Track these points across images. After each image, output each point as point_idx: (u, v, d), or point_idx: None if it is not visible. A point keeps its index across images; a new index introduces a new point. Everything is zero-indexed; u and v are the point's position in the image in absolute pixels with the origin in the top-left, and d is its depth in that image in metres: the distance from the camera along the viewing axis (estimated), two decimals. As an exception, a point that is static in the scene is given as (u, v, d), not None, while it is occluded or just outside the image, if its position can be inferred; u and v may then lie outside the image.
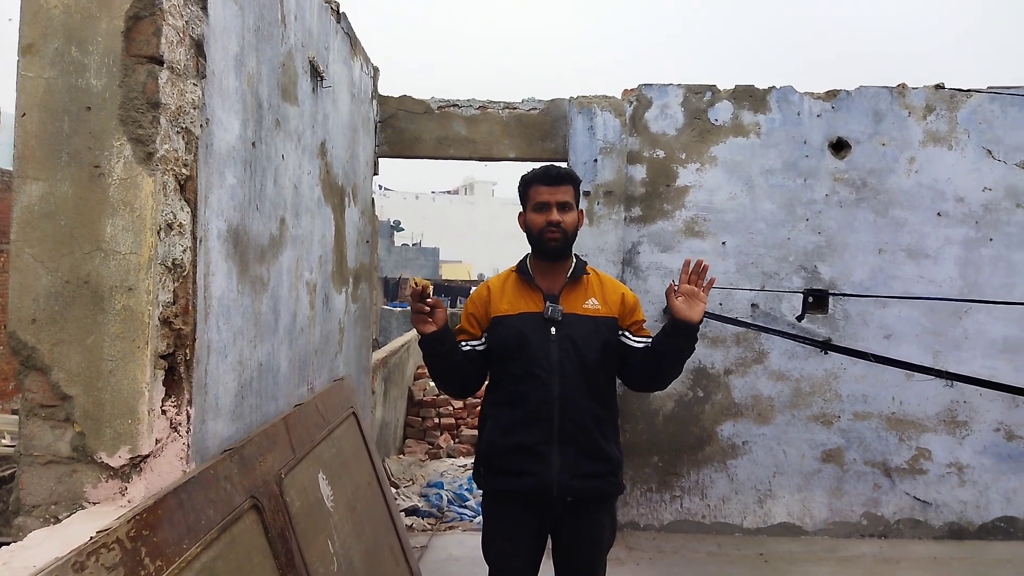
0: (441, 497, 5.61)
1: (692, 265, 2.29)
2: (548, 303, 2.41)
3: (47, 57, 1.77)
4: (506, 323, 2.43)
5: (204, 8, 2.01)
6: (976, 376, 4.23)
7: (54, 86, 1.77)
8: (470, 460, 7.30)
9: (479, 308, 2.52)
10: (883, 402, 4.66)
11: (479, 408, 8.94)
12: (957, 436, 4.67)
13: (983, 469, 4.67)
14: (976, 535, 4.65)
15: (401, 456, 7.60)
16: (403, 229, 43.60)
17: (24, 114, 1.77)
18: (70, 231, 1.75)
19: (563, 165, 4.64)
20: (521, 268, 2.52)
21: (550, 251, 2.43)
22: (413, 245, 42.70)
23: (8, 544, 1.62)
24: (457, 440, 8.38)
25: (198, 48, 1.98)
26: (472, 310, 2.53)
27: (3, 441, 8.44)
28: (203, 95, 2.01)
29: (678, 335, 2.30)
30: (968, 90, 4.72)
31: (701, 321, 2.28)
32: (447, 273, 39.72)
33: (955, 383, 4.31)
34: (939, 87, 4.73)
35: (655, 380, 2.47)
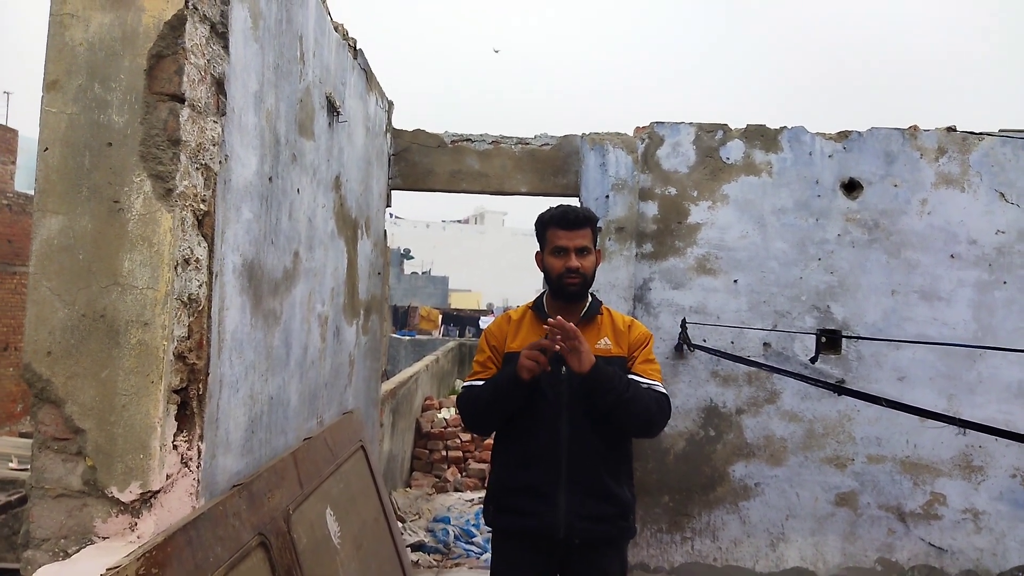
0: (448, 532, 5.55)
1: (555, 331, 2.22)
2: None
3: (70, 93, 1.80)
4: (518, 359, 2.42)
5: (226, 47, 2.04)
6: (991, 421, 4.18)
7: (76, 122, 1.79)
8: (477, 494, 7.23)
9: (499, 341, 2.51)
10: (897, 445, 4.61)
11: (488, 441, 8.85)
12: (973, 481, 4.60)
13: (999, 516, 4.58)
14: (992, 583, 4.56)
15: (408, 489, 7.54)
16: (413, 257, 43.79)
17: (46, 148, 1.80)
18: (88, 265, 1.76)
19: (576, 202, 4.66)
20: (537, 306, 2.52)
21: (569, 296, 2.43)
22: (423, 273, 42.83)
23: (17, 575, 1.61)
24: (464, 474, 8.31)
25: (219, 86, 2.01)
26: (494, 342, 2.51)
27: (10, 464, 8.39)
28: (222, 132, 2.04)
29: (589, 390, 2.28)
30: (980, 133, 4.73)
31: (594, 368, 2.23)
32: (456, 302, 39.77)
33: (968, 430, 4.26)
34: (951, 129, 4.74)
35: (626, 429, 2.43)
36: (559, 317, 2.24)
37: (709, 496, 4.64)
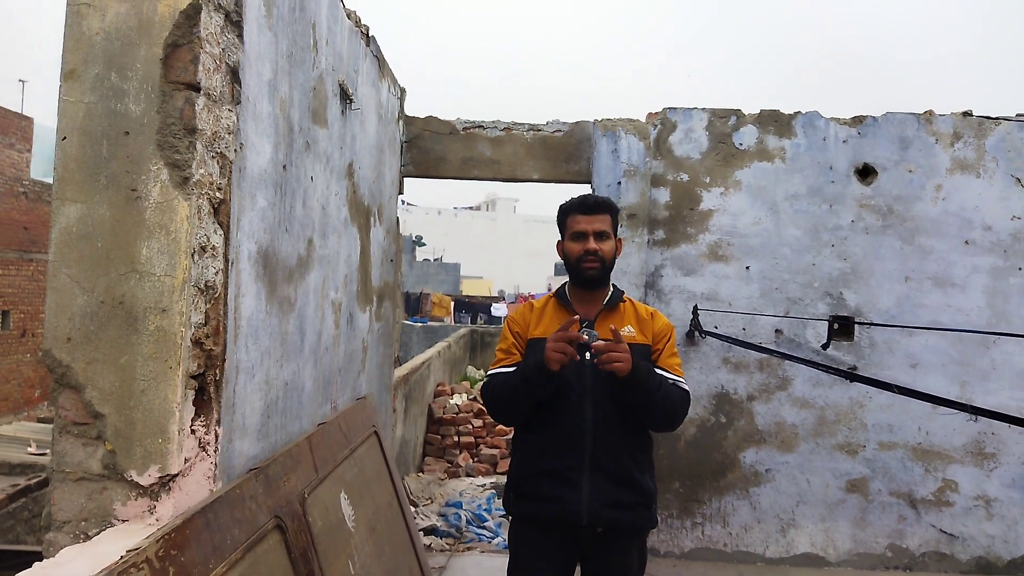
0: (460, 517, 5.60)
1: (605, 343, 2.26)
2: (583, 328, 2.39)
3: (88, 82, 1.82)
4: (541, 346, 2.41)
5: (240, 36, 2.06)
6: (1004, 408, 4.17)
7: (94, 111, 1.81)
8: (489, 480, 7.28)
9: (522, 328, 2.51)
10: (909, 432, 4.60)
11: (499, 427, 8.86)
12: (985, 468, 4.59)
13: (1011, 503, 4.58)
14: (1004, 571, 4.55)
15: (420, 474, 7.60)
16: (425, 244, 43.84)
17: (64, 137, 1.82)
18: (106, 252, 1.79)
19: (588, 188, 4.66)
20: (560, 294, 2.53)
21: (587, 280, 2.43)
22: (435, 260, 42.87)
23: (39, 557, 1.65)
24: (476, 459, 8.36)
25: (234, 75, 2.03)
26: (516, 329, 2.51)
27: (29, 449, 8.51)
28: (238, 120, 2.06)
29: (624, 390, 2.29)
30: (996, 118, 4.68)
31: (631, 372, 2.22)
32: (468, 289, 39.80)
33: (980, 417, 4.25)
34: (967, 114, 4.70)
35: (649, 424, 2.44)
36: (612, 327, 2.26)
37: (720, 482, 4.65)
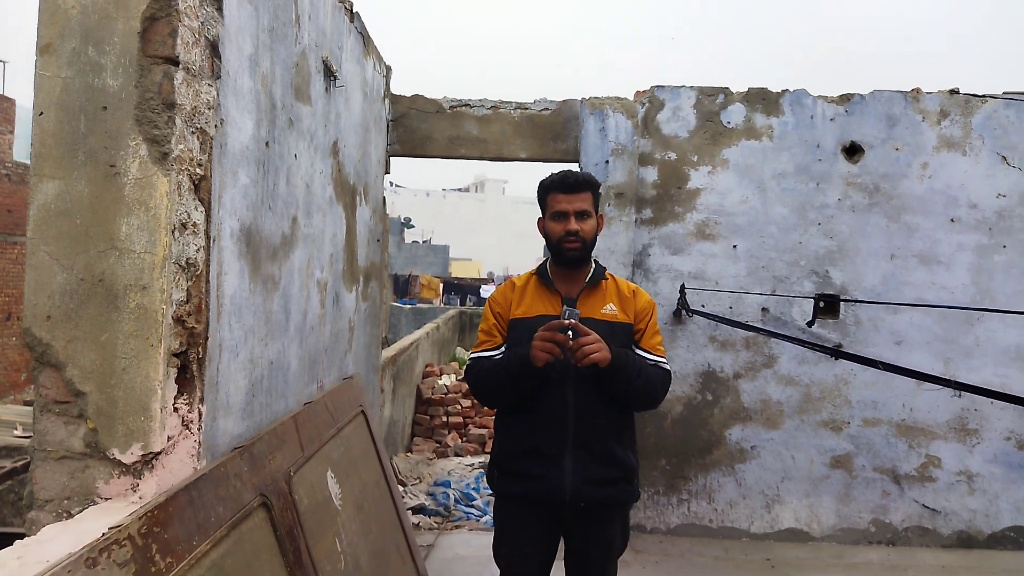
0: (448, 496, 5.62)
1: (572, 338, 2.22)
2: (565, 306, 2.39)
3: (64, 57, 1.78)
4: (523, 325, 2.40)
5: (219, 9, 2.02)
6: (988, 384, 4.21)
7: (71, 86, 1.78)
8: (478, 459, 7.31)
9: (504, 308, 2.50)
10: (893, 409, 4.65)
11: (487, 408, 8.87)
12: (967, 444, 4.64)
13: (993, 478, 4.64)
14: (985, 544, 4.62)
15: (409, 454, 7.62)
16: (414, 226, 43.67)
17: (41, 113, 1.79)
18: (85, 229, 1.76)
19: (575, 167, 4.63)
20: (541, 272, 2.51)
21: (569, 260, 2.42)
22: (423, 242, 42.78)
23: (22, 537, 1.64)
24: (465, 439, 8.39)
25: (213, 49, 2.00)
26: (498, 309, 2.50)
27: (15, 432, 8.46)
28: (218, 95, 2.03)
29: (604, 380, 2.29)
30: (983, 95, 4.69)
31: (610, 363, 2.22)
32: (457, 271, 39.77)
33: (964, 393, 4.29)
34: (954, 92, 4.70)
35: (629, 405, 2.44)
36: (579, 324, 2.21)
37: (706, 459, 4.69)
